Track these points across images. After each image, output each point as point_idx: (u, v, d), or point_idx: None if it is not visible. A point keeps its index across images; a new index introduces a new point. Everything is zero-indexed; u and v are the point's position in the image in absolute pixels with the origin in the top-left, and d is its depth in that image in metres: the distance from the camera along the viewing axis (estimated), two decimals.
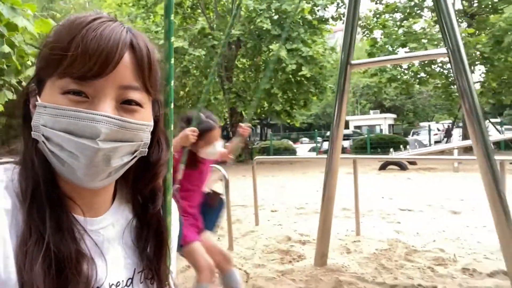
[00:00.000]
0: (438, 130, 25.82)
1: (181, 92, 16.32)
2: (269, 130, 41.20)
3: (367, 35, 17.54)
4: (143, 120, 0.60)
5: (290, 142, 25.25)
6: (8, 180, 0.57)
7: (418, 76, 16.89)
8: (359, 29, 18.07)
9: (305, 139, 32.80)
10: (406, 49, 16.04)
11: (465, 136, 16.35)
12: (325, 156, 3.88)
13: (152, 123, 0.63)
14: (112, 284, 0.62)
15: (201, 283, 2.20)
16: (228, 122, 18.07)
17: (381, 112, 36.20)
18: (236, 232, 4.96)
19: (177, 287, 0.74)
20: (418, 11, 16.62)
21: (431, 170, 11.64)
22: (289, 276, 3.51)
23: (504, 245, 3.02)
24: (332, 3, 15.61)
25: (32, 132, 0.56)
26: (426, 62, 15.74)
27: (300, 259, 3.96)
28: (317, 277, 3.45)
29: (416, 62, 15.63)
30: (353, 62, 3.50)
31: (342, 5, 15.84)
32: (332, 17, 16.27)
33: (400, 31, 16.03)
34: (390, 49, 15.81)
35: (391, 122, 35.53)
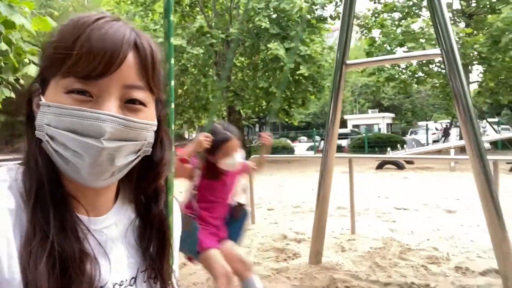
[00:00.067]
0: (436, 129, 25.88)
1: (179, 91, 16.30)
2: (268, 128, 41.20)
3: (366, 34, 17.56)
4: (147, 119, 0.60)
5: (289, 141, 25.28)
6: (11, 180, 0.57)
7: (416, 75, 16.91)
8: (357, 28, 18.10)
9: (303, 138, 32.83)
10: (405, 48, 16.07)
11: (462, 136, 16.37)
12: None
13: (155, 122, 0.63)
14: (116, 284, 0.63)
15: None
16: (226, 121, 18.08)
17: (379, 111, 36.24)
18: None
19: (180, 286, 0.75)
20: (417, 11, 16.64)
21: (428, 170, 11.70)
22: (284, 274, 3.54)
23: (496, 244, 3.05)
24: (331, 2, 15.61)
25: (36, 132, 0.56)
26: (424, 61, 15.78)
27: (295, 257, 3.99)
28: (311, 275, 3.49)
29: (414, 62, 15.66)
30: (348, 62, 3.53)
31: (340, 4, 15.83)
32: (331, 16, 16.28)
33: (398, 30, 16.05)
34: (388, 48, 15.84)
35: (389, 121, 35.60)
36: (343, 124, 33.45)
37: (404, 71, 16.75)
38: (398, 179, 10.20)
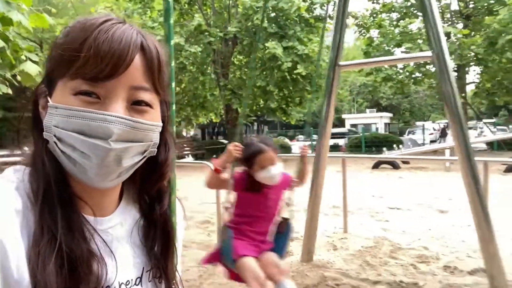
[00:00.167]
0: (434, 129, 25.98)
1: (177, 88, 16.33)
2: (266, 127, 41.28)
3: (364, 34, 17.61)
4: (153, 120, 0.61)
5: (286, 140, 25.31)
6: (18, 181, 0.57)
7: (413, 76, 16.98)
8: (356, 28, 18.14)
9: (301, 137, 32.87)
10: (402, 48, 16.13)
11: None
12: None
13: (161, 123, 0.63)
14: (122, 283, 0.63)
15: None
16: (224, 119, 18.13)
17: (377, 111, 36.33)
18: None
19: (183, 285, 0.77)
20: (415, 11, 16.68)
21: (423, 170, 11.77)
22: None
23: (483, 244, 3.11)
24: (329, 1, 15.64)
25: (43, 133, 0.57)
26: (421, 62, 15.83)
27: (287, 255, 4.04)
28: (303, 273, 3.54)
29: (411, 62, 15.71)
30: (341, 63, 3.57)
31: None
32: (329, 16, 16.30)
33: (396, 30, 16.10)
34: (386, 48, 15.89)
35: (387, 121, 35.69)
36: (341, 123, 33.54)
37: (401, 71, 16.80)
38: (393, 178, 10.27)
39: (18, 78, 3.46)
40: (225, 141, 21.46)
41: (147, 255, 0.68)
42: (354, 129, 29.83)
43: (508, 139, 16.25)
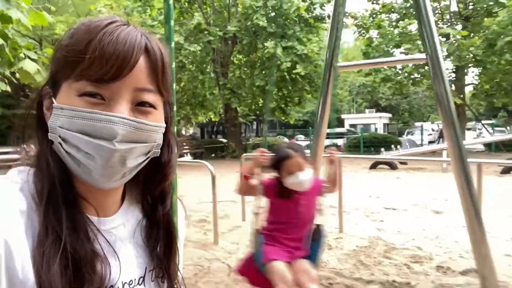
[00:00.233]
0: (433, 130, 26.02)
1: (177, 87, 16.34)
2: (265, 126, 41.26)
3: (363, 35, 17.64)
4: (157, 121, 0.61)
5: (286, 139, 25.37)
6: (23, 182, 0.58)
7: (412, 76, 17.01)
8: (355, 28, 18.17)
9: (300, 136, 32.91)
10: (401, 49, 16.17)
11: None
12: None
13: (164, 124, 0.64)
14: (125, 283, 0.64)
15: None
16: (223, 118, 18.17)
17: (376, 111, 36.40)
18: (223, 227, 5.07)
19: (185, 285, 0.78)
20: (414, 12, 16.70)
21: (420, 170, 11.80)
22: None
23: (475, 245, 3.14)
24: (329, 1, 15.67)
25: (48, 134, 0.57)
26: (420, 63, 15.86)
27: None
28: None
29: (410, 63, 15.75)
30: (336, 64, 3.60)
31: None
32: (329, 16, 16.32)
33: (396, 31, 16.13)
34: (385, 49, 15.92)
35: (386, 121, 35.75)
36: (340, 123, 33.60)
37: (400, 72, 16.84)
38: (390, 179, 10.30)
39: (17, 75, 3.48)
40: (224, 140, 21.49)
41: (150, 255, 0.69)
42: (353, 129, 29.90)
43: (506, 140, 16.28)
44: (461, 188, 3.12)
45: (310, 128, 27.95)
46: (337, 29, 3.64)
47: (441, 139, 21.26)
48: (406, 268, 3.66)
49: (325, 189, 2.41)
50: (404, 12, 16.57)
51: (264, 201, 2.36)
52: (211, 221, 4.65)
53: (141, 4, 15.41)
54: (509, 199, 6.99)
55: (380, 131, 30.88)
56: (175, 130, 0.75)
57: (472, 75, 18.08)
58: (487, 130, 19.74)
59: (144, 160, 0.62)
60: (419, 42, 14.79)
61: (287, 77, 14.71)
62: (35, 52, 3.65)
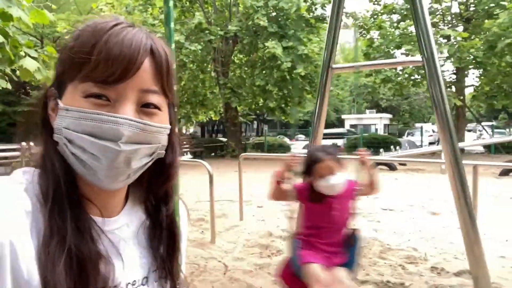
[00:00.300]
0: (433, 131, 26.03)
1: (177, 86, 16.38)
2: (265, 126, 41.34)
3: (364, 35, 17.66)
4: (161, 123, 0.62)
5: (286, 139, 25.38)
6: (28, 182, 0.58)
7: (412, 78, 17.03)
8: (356, 29, 18.17)
9: (301, 136, 32.96)
10: (402, 50, 16.19)
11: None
12: None
13: (169, 125, 0.65)
14: (129, 283, 0.64)
15: None
16: (224, 117, 18.21)
17: (377, 112, 36.42)
18: (221, 226, 5.10)
19: (187, 285, 0.80)
20: None
21: (419, 171, 11.82)
22: (265, 269, 3.66)
23: (469, 246, 3.17)
24: (330, 1, 15.67)
25: (54, 135, 0.58)
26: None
27: (278, 254, 4.11)
28: None
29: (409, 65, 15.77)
30: (333, 66, 3.62)
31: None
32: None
33: (396, 32, 16.15)
34: (386, 50, 15.94)
35: (387, 122, 35.79)
36: (341, 123, 33.62)
37: (400, 73, 16.86)
38: (389, 180, 10.31)
39: (18, 73, 3.51)
40: (224, 139, 21.51)
41: (153, 255, 0.70)
42: (353, 129, 29.92)
43: (505, 142, 16.29)
44: (455, 190, 3.14)
45: (310, 128, 28.02)
46: (335, 30, 3.66)
47: (440, 140, 21.29)
48: (401, 268, 3.69)
49: (360, 192, 2.37)
50: (405, 13, 16.58)
51: (297, 206, 2.34)
52: (209, 220, 4.68)
53: (142, 2, 15.43)
54: (506, 201, 7.02)
55: (381, 132, 30.91)
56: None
57: (472, 77, 18.15)
58: (487, 132, 19.76)
59: (149, 161, 0.62)
60: None
61: (287, 77, 14.73)
62: (36, 50, 3.68)
